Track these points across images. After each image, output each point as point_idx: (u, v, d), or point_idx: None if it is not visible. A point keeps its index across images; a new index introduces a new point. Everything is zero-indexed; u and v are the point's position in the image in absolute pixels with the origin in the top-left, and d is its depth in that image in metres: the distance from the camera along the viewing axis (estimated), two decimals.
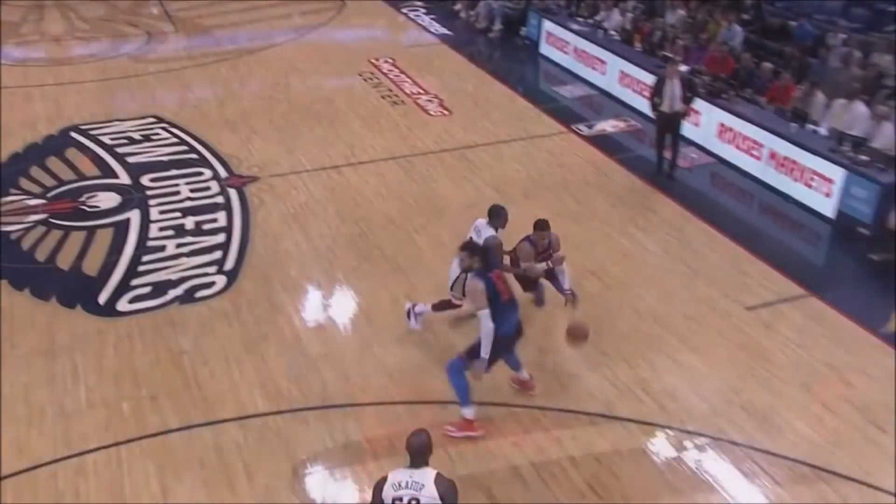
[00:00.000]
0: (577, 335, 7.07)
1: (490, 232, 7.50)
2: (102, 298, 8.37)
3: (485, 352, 6.25)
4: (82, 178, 10.92)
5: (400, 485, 4.61)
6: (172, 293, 8.45)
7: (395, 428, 6.65)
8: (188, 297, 8.40)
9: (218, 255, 9.17)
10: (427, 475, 4.64)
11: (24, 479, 6.17)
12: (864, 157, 10.03)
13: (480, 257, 6.43)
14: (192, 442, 6.54)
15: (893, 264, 9.07)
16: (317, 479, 6.24)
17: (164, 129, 12.48)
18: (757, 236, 9.84)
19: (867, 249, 9.44)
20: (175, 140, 12.11)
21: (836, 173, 10.09)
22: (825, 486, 6.21)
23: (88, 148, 11.76)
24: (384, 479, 4.69)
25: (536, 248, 7.45)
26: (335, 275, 8.87)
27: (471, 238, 7.31)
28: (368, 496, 5.96)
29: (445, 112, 13.34)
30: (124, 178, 10.90)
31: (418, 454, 4.71)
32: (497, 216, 7.60)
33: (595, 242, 9.46)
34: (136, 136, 12.19)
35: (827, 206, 10.23)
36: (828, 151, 10.34)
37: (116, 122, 12.63)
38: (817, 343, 7.83)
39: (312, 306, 8.43)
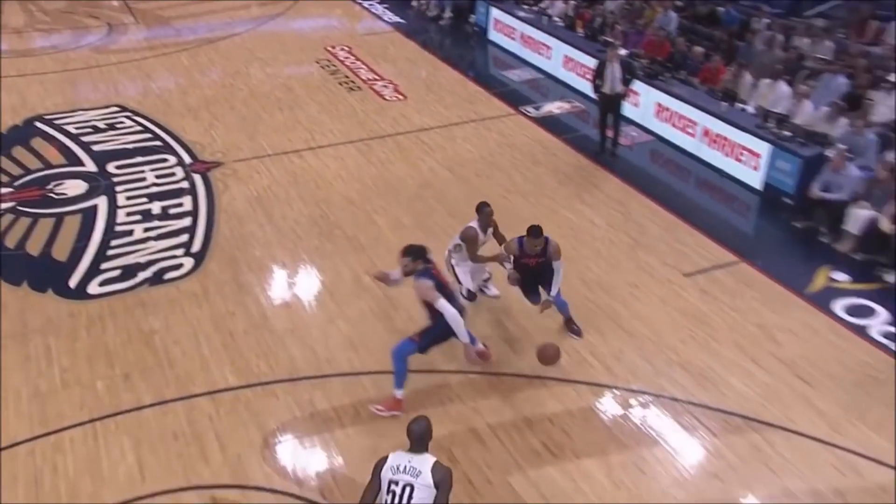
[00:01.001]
0: (548, 360, 6.82)
1: (472, 225, 7.44)
2: (73, 282, 8.16)
3: (462, 335, 6.27)
4: (49, 166, 10.58)
5: (398, 468, 4.48)
6: (142, 275, 8.28)
7: (360, 397, 6.66)
8: (157, 279, 8.24)
9: (185, 238, 8.99)
10: (425, 462, 4.51)
11: (3, 456, 6.02)
12: (787, 133, 10.22)
13: (423, 259, 6.40)
14: (165, 416, 6.45)
15: (815, 231, 9.33)
16: (287, 448, 6.21)
17: (128, 117, 12.13)
18: (693, 208, 9.98)
19: (791, 218, 9.65)
20: (139, 128, 11.79)
21: (763, 148, 10.28)
22: (756, 435, 6.39)
23: (54, 137, 11.39)
24: (384, 459, 4.55)
25: (523, 249, 7.31)
26: (299, 254, 8.77)
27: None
28: (337, 462, 6.04)
29: (400, 97, 13.22)
30: (90, 166, 10.59)
31: (418, 440, 4.57)
32: (479, 212, 7.49)
33: (544, 218, 9.40)
34: (101, 124, 11.84)
35: (755, 179, 10.43)
36: (755, 128, 10.52)
37: (80, 112, 12.25)
38: (748, 305, 8.01)
39: (278, 285, 8.34)
